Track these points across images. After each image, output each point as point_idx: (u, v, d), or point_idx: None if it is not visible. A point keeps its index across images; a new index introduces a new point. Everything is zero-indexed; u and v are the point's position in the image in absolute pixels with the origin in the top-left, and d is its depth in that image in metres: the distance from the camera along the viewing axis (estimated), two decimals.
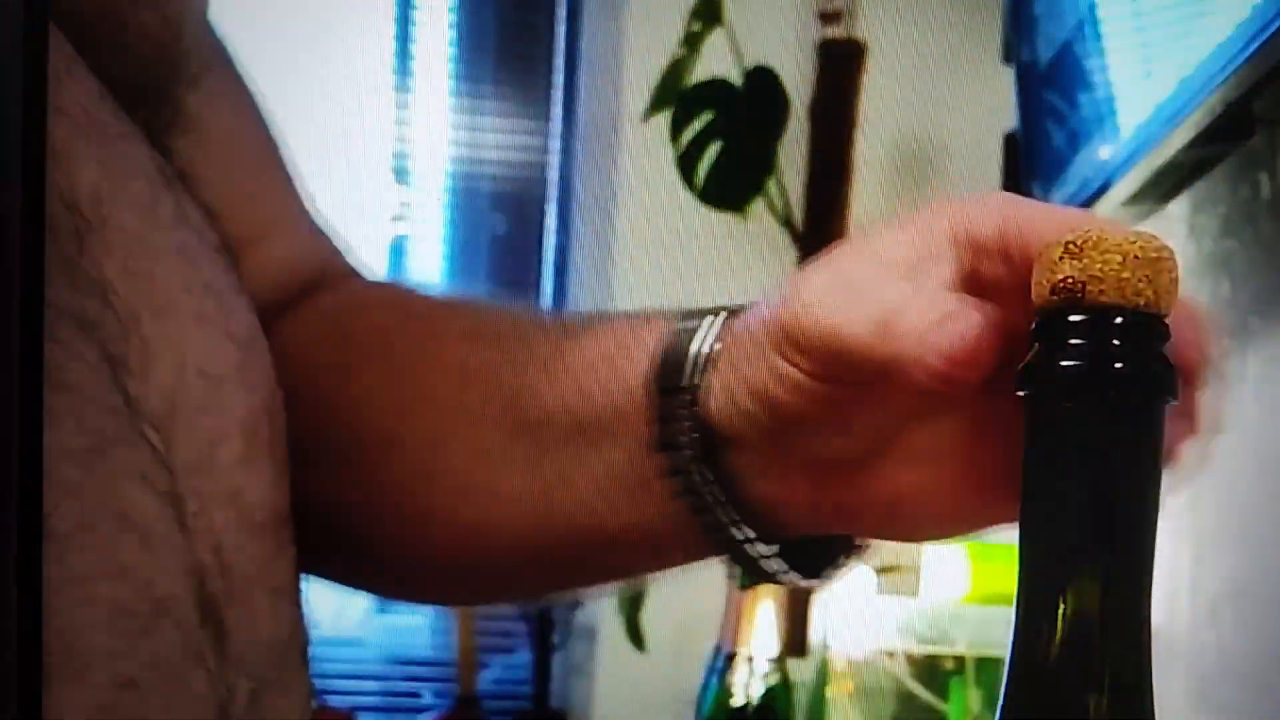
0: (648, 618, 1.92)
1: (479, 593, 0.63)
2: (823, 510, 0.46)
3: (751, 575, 0.49)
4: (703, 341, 0.47)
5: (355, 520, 0.55)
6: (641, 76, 1.96)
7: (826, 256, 0.44)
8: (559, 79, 2.31)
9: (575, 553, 0.52)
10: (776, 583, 0.49)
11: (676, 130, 1.93)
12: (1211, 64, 0.96)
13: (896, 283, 0.42)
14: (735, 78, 1.95)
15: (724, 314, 0.48)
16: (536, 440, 0.51)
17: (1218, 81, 0.96)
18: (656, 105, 1.93)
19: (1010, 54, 1.51)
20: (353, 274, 0.61)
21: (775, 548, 0.48)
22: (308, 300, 0.58)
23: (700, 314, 0.48)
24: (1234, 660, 1.09)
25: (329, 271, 0.60)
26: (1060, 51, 1.30)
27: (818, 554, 0.49)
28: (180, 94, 0.53)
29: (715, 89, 1.94)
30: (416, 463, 0.53)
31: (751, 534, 0.47)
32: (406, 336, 0.56)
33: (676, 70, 1.93)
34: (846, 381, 0.43)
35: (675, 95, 1.93)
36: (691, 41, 1.92)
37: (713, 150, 1.94)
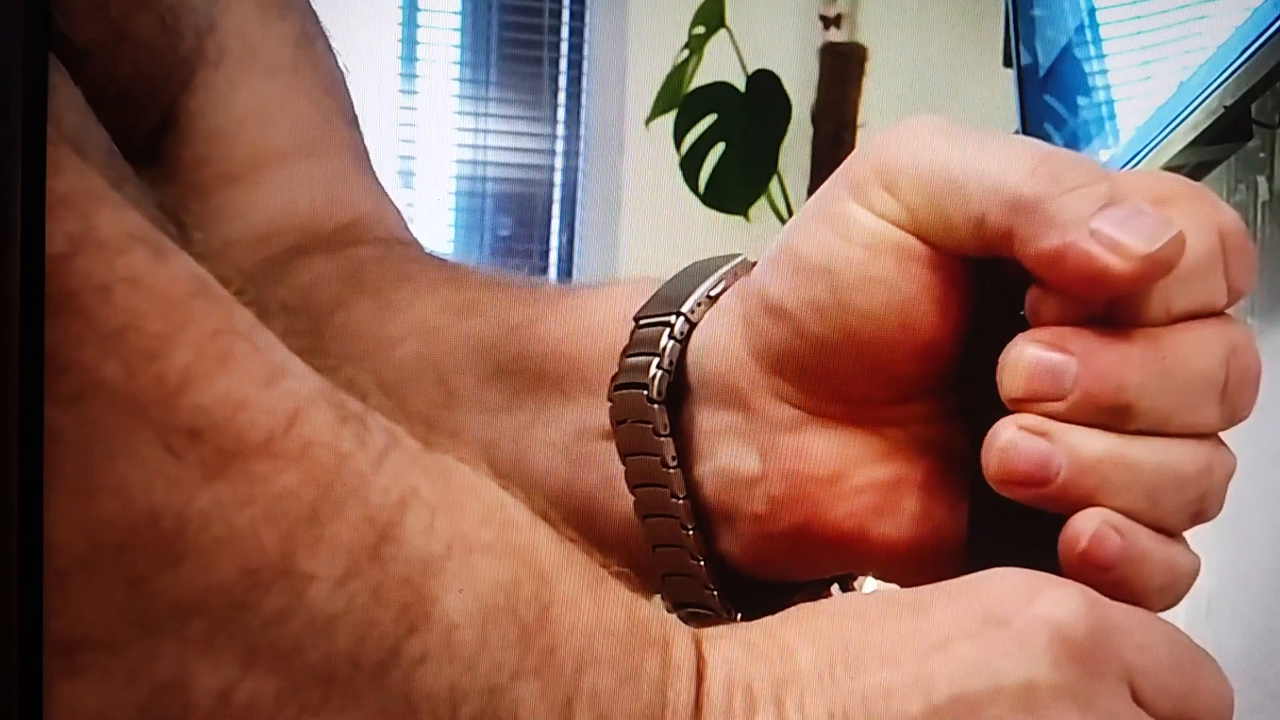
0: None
1: None
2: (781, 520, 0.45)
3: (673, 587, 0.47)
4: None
5: None
6: (645, 80, 1.97)
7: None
8: (563, 82, 2.32)
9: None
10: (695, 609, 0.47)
11: (680, 133, 1.94)
12: (1210, 67, 0.97)
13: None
14: (738, 81, 1.95)
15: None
16: (513, 384, 0.49)
17: (1216, 85, 0.96)
18: (660, 108, 1.94)
19: (1010, 58, 1.51)
20: (396, 241, 0.59)
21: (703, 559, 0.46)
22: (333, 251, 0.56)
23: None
24: (1232, 658, 1.09)
25: (368, 227, 0.58)
26: (1060, 55, 1.30)
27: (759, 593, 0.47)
28: (173, 97, 0.53)
29: (718, 92, 1.95)
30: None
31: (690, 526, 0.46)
32: (410, 284, 0.54)
33: (680, 74, 1.94)
34: (941, 245, 0.40)
35: (679, 99, 1.94)
36: (695, 45, 1.93)
37: (716, 153, 1.95)
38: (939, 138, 0.39)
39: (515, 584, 0.36)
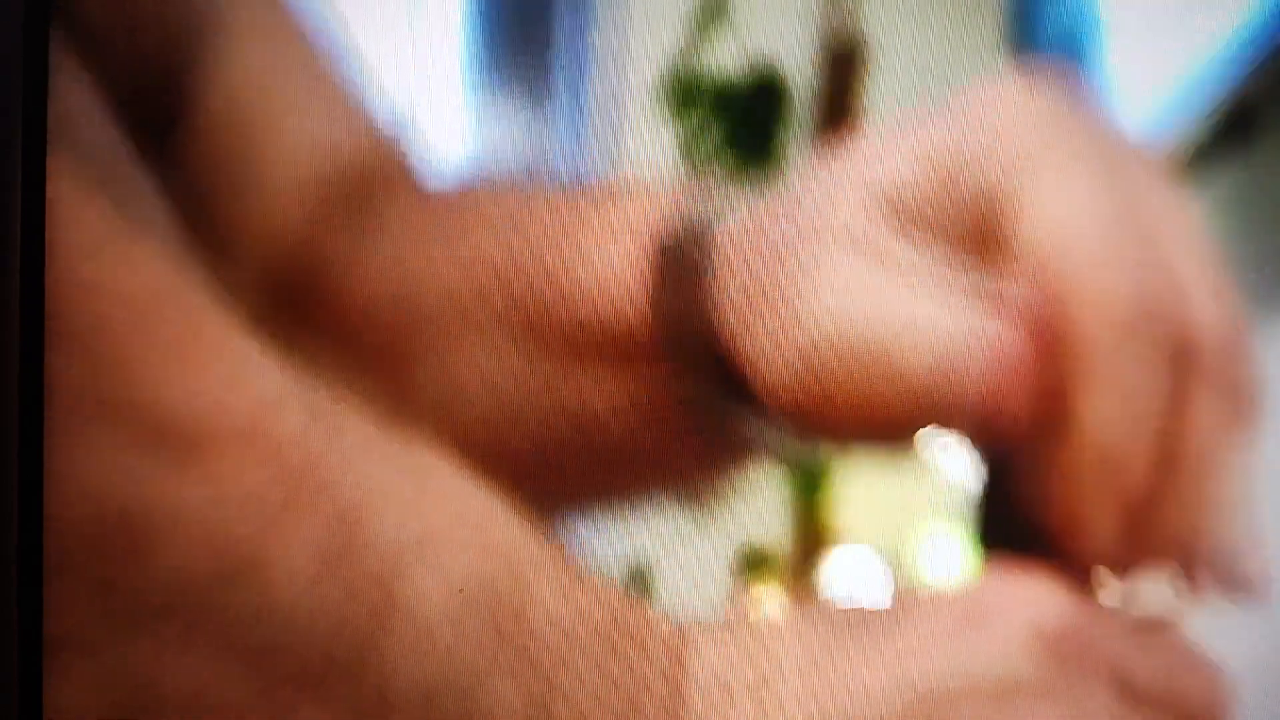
0: (656, 602, 1.92)
1: None
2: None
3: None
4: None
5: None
6: (646, 70, 1.97)
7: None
8: (565, 71, 2.32)
9: (601, 470, 0.51)
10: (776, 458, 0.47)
11: (680, 123, 1.94)
12: (1211, 64, 0.97)
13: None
14: (739, 72, 1.95)
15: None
16: (551, 355, 0.49)
17: (1219, 78, 0.96)
18: (661, 98, 1.94)
19: (1012, 50, 1.51)
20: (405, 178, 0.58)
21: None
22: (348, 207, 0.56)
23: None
24: (1230, 657, 1.09)
25: (379, 171, 0.58)
26: (1066, 50, 1.30)
27: None
28: (180, 80, 0.52)
29: (719, 83, 1.95)
30: (431, 390, 0.52)
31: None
32: (427, 249, 0.54)
33: (681, 64, 1.93)
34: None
35: (679, 89, 1.94)
36: (696, 35, 1.93)
37: (715, 143, 1.95)
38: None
39: (491, 580, 0.36)
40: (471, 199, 0.55)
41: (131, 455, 0.32)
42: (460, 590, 0.35)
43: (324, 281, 0.54)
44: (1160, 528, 0.39)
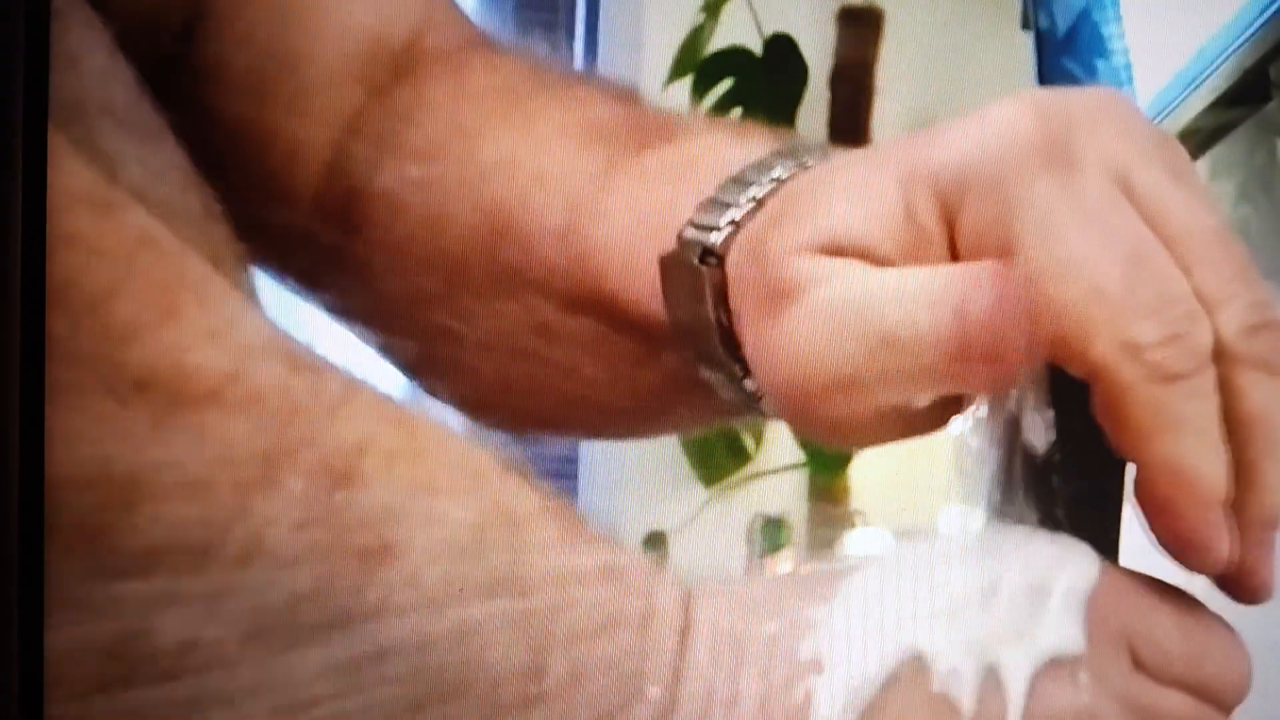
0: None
1: (559, 437, 0.60)
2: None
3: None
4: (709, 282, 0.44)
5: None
6: (662, 44, 1.97)
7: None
8: (579, 46, 2.31)
9: (670, 418, 0.52)
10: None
11: (697, 98, 1.94)
12: (1228, 30, 0.97)
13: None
14: (755, 45, 1.95)
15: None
16: (596, 320, 0.49)
17: (1234, 47, 0.96)
18: (677, 73, 1.94)
19: (1028, 21, 1.51)
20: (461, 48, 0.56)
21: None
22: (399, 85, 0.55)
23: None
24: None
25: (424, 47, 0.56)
26: (1078, 19, 1.30)
27: None
28: (192, 30, 0.52)
29: (735, 57, 1.95)
30: (485, 329, 0.52)
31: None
32: (444, 172, 0.53)
33: (696, 38, 1.93)
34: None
35: (695, 63, 1.94)
36: (711, 9, 1.92)
37: (733, 117, 1.94)
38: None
39: (482, 528, 0.36)
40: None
41: (112, 409, 0.32)
42: (424, 533, 0.35)
43: (360, 207, 0.53)
44: (1256, 516, 0.38)
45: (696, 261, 0.44)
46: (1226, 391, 0.37)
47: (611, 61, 2.24)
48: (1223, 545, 0.38)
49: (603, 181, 0.49)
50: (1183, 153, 0.40)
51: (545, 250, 0.49)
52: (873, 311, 0.39)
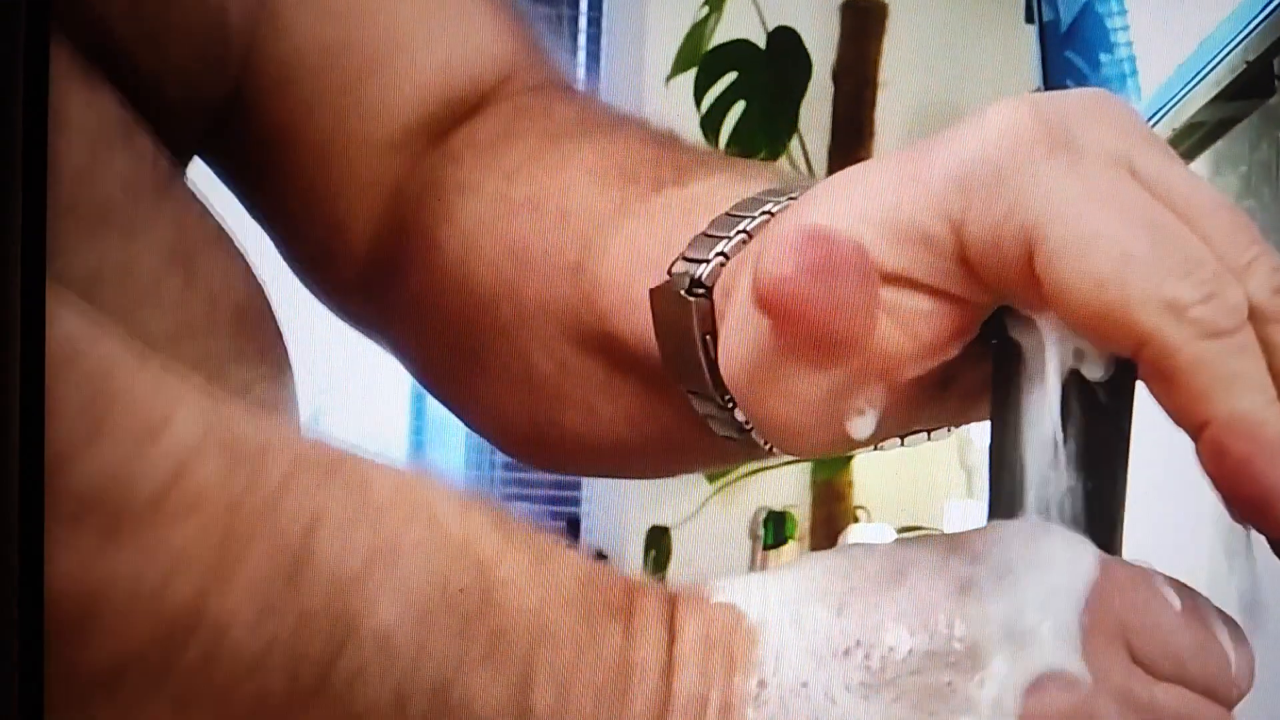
0: (673, 577, 1.93)
1: (566, 468, 0.59)
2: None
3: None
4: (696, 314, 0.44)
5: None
6: (665, 38, 1.96)
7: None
8: (583, 40, 2.31)
9: (686, 460, 0.52)
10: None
11: (700, 92, 1.94)
12: (1232, 23, 0.96)
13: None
14: (758, 39, 1.95)
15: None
16: (609, 359, 0.49)
17: (1238, 40, 0.96)
18: (680, 67, 1.94)
19: (1032, 14, 1.51)
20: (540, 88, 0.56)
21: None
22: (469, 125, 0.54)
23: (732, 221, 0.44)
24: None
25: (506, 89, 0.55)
26: (1082, 12, 1.30)
27: None
28: (231, 87, 0.51)
29: (738, 50, 1.95)
30: (513, 366, 0.52)
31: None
32: (475, 206, 0.53)
33: (700, 32, 1.93)
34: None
35: (698, 57, 1.93)
36: (714, 3, 1.92)
37: (736, 111, 1.94)
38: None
39: (449, 577, 0.36)
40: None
41: (60, 531, 0.32)
42: (388, 597, 0.35)
43: (412, 241, 0.53)
44: None
45: (684, 293, 0.44)
46: (1268, 351, 0.37)
47: (615, 55, 2.24)
48: None
49: (613, 221, 0.49)
50: (1171, 150, 0.40)
51: (562, 287, 0.49)
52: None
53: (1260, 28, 0.93)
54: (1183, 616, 0.38)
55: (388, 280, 0.54)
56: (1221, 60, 0.99)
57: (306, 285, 0.58)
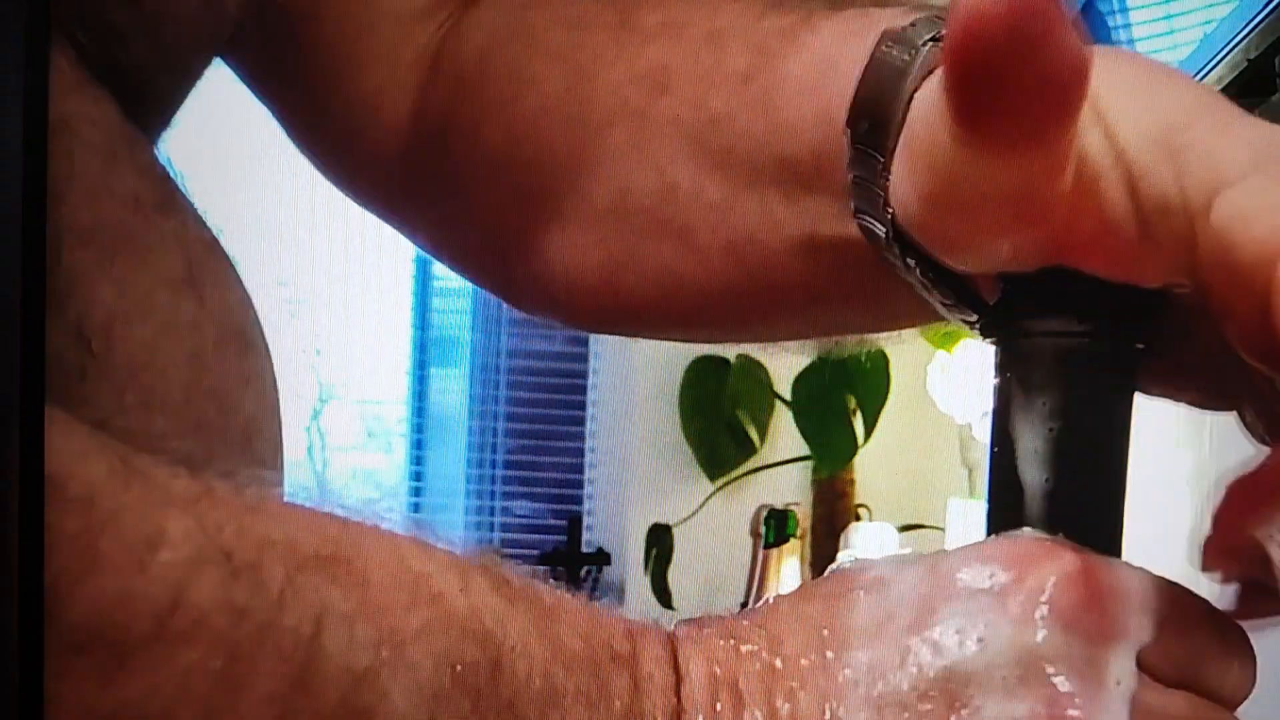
0: (675, 575, 1.93)
1: (656, 332, 0.57)
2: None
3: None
4: (912, 78, 0.41)
5: (526, 252, 0.53)
6: None
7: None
8: None
9: (769, 309, 0.50)
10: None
11: None
12: (1233, 20, 0.96)
13: None
14: None
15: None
16: (730, 179, 0.47)
17: (1240, 38, 0.96)
18: None
19: None
20: None
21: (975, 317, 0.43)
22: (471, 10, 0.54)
23: (911, 39, 0.42)
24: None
25: None
26: (1083, 9, 1.30)
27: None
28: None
29: None
30: (603, 196, 0.50)
31: (950, 300, 0.43)
32: (591, 39, 0.51)
33: None
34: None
35: None
36: None
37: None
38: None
39: (456, 656, 0.36)
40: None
41: (65, 665, 0.31)
42: (399, 687, 0.34)
43: (488, 91, 0.52)
44: None
45: (916, 48, 0.42)
46: None
47: None
48: None
49: (791, 35, 0.47)
50: None
51: (712, 101, 0.48)
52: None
53: (1261, 26, 0.93)
54: (1185, 620, 0.38)
55: (439, 148, 0.53)
56: (1223, 58, 0.99)
57: (330, 173, 0.57)
